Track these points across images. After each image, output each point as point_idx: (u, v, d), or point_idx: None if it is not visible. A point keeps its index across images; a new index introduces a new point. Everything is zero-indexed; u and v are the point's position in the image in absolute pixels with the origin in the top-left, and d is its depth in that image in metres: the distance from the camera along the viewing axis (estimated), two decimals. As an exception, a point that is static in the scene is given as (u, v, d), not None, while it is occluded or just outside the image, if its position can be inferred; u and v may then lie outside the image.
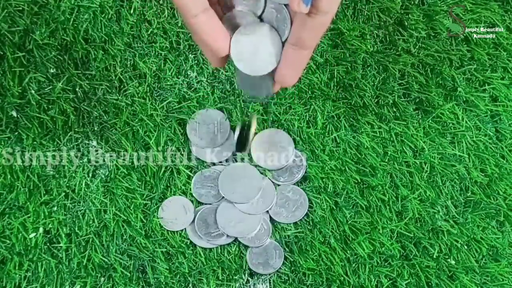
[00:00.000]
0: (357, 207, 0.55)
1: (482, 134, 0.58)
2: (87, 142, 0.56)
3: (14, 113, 0.56)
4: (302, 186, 0.55)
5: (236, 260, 0.53)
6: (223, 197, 0.55)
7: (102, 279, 0.52)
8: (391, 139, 0.57)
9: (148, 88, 0.57)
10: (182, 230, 0.54)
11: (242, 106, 0.56)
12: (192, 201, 0.55)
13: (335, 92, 0.58)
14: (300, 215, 0.54)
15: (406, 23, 0.61)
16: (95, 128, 0.56)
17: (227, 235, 0.53)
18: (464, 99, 0.59)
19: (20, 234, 0.52)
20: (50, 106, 0.57)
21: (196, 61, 0.58)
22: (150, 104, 0.57)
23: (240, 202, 0.54)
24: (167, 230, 0.54)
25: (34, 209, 0.53)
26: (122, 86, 0.58)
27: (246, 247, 0.54)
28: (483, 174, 0.57)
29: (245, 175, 0.55)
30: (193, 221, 0.54)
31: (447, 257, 0.54)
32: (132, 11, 0.59)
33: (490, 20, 0.62)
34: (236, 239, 0.54)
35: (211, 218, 0.54)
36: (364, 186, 0.56)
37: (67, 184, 0.54)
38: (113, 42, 0.58)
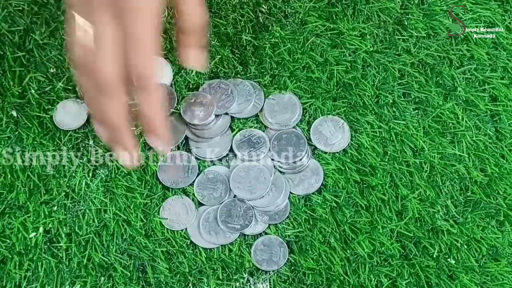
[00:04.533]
0: (357, 207, 0.55)
1: (482, 134, 0.58)
2: (87, 142, 0.56)
3: (14, 113, 0.56)
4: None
5: (236, 259, 0.53)
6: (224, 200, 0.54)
7: (102, 278, 0.52)
8: (391, 139, 0.57)
9: (148, 88, 0.57)
10: (182, 230, 0.54)
11: None
12: (193, 200, 0.55)
13: (335, 92, 0.58)
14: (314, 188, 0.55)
15: (406, 23, 0.61)
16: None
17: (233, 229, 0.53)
18: (464, 99, 0.60)
19: (20, 234, 0.52)
20: (50, 106, 0.57)
21: (196, 61, 0.58)
22: (150, 104, 0.57)
23: (251, 199, 0.54)
24: (168, 230, 0.54)
25: (34, 208, 0.53)
26: (122, 86, 0.57)
27: (249, 246, 0.53)
28: (483, 174, 0.57)
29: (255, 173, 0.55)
30: (195, 221, 0.54)
31: (447, 256, 0.54)
32: (132, 11, 0.59)
33: (489, 19, 0.62)
34: (236, 240, 0.54)
35: (214, 217, 0.54)
36: (364, 186, 0.56)
37: (67, 184, 0.54)
38: (113, 42, 0.58)
